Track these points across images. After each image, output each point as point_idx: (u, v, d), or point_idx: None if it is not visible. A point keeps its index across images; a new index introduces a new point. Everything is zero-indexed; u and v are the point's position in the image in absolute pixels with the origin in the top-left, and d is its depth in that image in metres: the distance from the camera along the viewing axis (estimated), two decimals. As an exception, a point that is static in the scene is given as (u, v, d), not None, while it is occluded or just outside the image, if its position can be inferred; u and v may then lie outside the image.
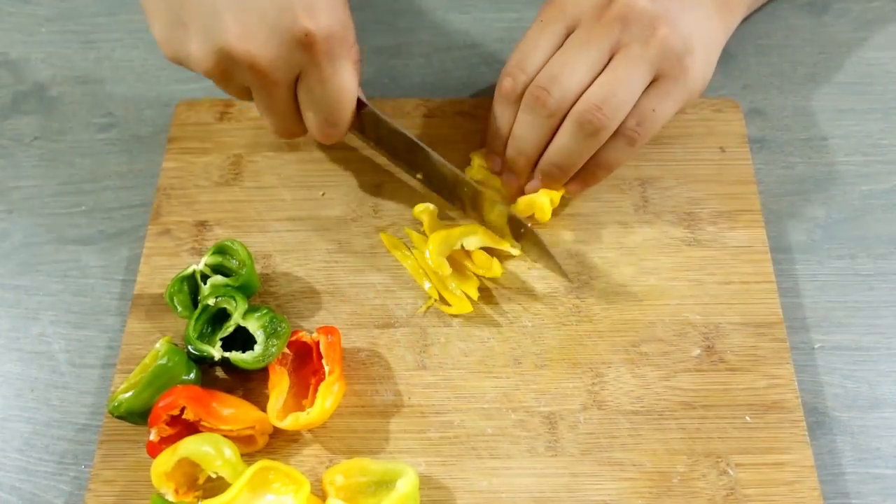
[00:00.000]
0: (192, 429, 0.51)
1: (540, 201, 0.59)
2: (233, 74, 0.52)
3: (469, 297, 0.58)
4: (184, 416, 0.51)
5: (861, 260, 0.61)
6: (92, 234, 0.63)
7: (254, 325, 0.54)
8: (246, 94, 0.55)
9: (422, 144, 0.58)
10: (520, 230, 0.58)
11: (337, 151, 0.64)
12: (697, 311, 0.58)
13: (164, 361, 0.52)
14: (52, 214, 0.64)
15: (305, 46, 0.50)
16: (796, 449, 0.53)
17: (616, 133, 0.56)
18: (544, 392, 0.55)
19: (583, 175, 0.59)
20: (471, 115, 0.66)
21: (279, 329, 0.54)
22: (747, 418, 0.54)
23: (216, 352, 0.54)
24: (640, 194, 0.62)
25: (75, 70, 0.71)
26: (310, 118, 0.55)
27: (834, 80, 0.69)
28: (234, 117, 0.66)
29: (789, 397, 0.54)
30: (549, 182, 0.59)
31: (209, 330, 0.55)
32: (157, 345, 0.53)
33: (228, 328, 0.54)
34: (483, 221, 0.60)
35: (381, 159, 0.64)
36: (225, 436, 0.50)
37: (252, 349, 0.53)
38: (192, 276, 0.57)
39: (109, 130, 0.68)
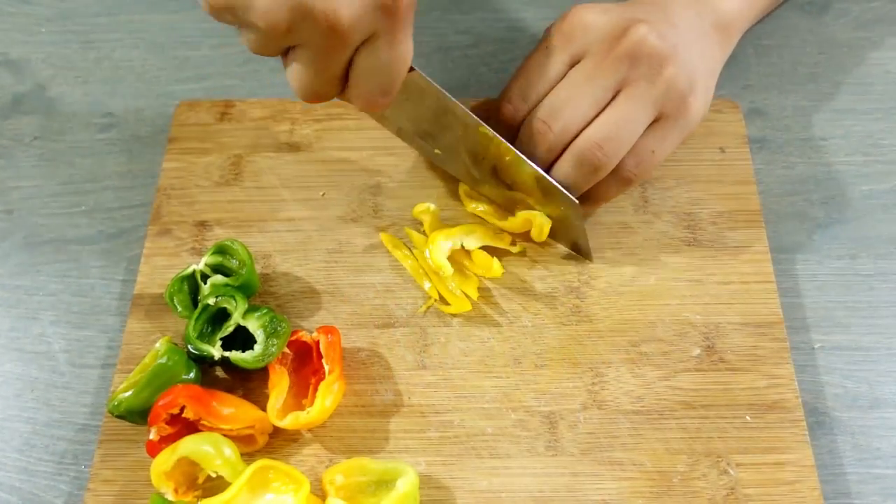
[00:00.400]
0: (191, 428, 0.51)
1: (538, 220, 0.59)
2: (297, 31, 0.47)
3: (469, 297, 0.58)
4: (183, 415, 0.50)
5: (861, 260, 0.61)
6: (92, 234, 0.63)
7: (254, 325, 0.54)
8: (278, 53, 0.51)
9: (462, 106, 0.55)
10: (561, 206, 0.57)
11: (337, 151, 0.64)
12: (697, 311, 0.58)
13: (163, 361, 0.52)
14: (52, 214, 0.64)
15: (388, 10, 0.47)
16: (797, 449, 0.53)
17: (613, 171, 0.56)
18: (544, 392, 0.55)
19: None
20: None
21: (279, 329, 0.54)
22: (748, 418, 0.54)
23: (216, 351, 0.53)
24: (640, 194, 0.62)
25: (75, 70, 0.71)
26: (363, 84, 0.51)
27: (834, 80, 0.69)
28: (234, 118, 0.66)
29: (789, 397, 0.54)
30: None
31: (209, 330, 0.55)
32: (157, 344, 0.53)
33: (228, 328, 0.54)
34: (520, 188, 0.58)
35: (382, 159, 0.64)
36: (225, 435, 0.50)
37: (252, 349, 0.53)
38: (192, 276, 0.57)
39: (109, 130, 0.68)
